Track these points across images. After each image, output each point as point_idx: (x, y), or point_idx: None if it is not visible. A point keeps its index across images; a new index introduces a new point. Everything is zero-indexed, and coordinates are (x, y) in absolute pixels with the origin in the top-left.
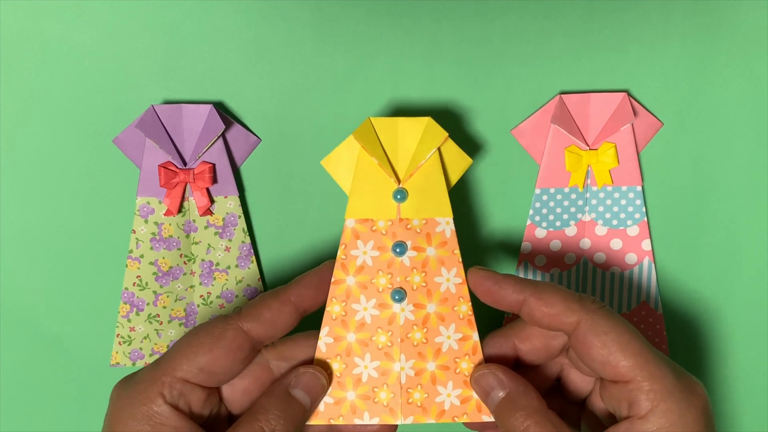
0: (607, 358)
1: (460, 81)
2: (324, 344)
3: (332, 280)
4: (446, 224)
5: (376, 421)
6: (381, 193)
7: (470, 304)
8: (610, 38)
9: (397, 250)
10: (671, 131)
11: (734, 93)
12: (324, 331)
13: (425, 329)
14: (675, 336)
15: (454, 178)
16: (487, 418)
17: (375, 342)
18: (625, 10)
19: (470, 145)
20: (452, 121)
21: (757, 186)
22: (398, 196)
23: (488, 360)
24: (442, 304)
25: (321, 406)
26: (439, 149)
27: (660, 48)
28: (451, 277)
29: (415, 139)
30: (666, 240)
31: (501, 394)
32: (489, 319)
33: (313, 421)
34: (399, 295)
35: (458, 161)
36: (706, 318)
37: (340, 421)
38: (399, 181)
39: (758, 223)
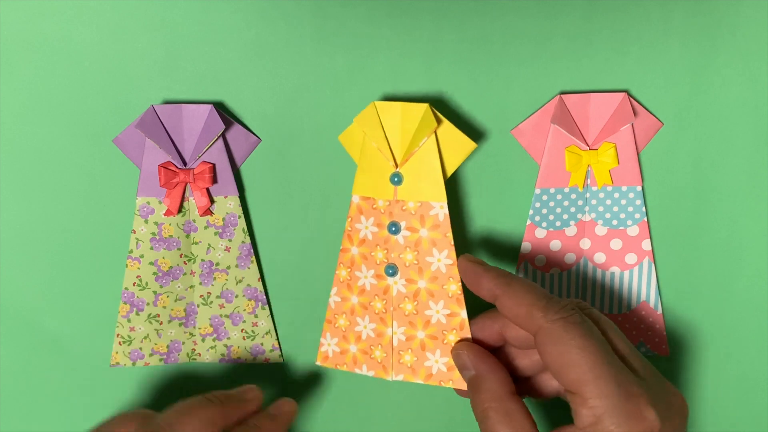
0: (557, 369)
1: (460, 81)
2: (333, 302)
3: (341, 248)
4: (440, 208)
5: (371, 374)
6: (380, 174)
7: (460, 284)
8: (610, 38)
9: (392, 228)
10: (671, 131)
11: (734, 93)
12: (333, 290)
13: (416, 302)
14: (675, 336)
15: (456, 163)
16: None
17: (373, 307)
18: (625, 10)
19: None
20: (452, 121)
21: (757, 186)
22: (395, 179)
23: (475, 339)
24: (432, 281)
25: (329, 353)
26: (436, 135)
27: (660, 48)
28: (443, 258)
29: (414, 125)
30: (666, 240)
31: (470, 373)
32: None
33: (322, 362)
34: (392, 269)
35: (460, 146)
36: (706, 318)
37: (344, 368)
38: (396, 164)
39: (758, 223)
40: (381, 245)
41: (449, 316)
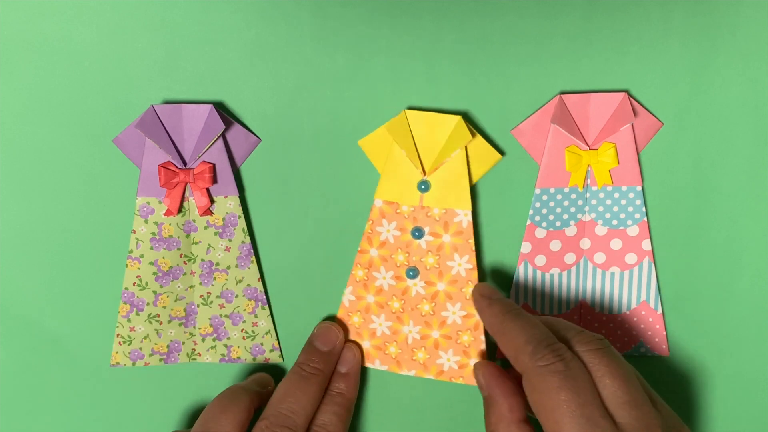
0: (536, 413)
1: (460, 81)
2: (347, 300)
3: (359, 249)
4: (464, 216)
5: (385, 368)
6: (407, 181)
7: None
8: (610, 38)
9: (416, 233)
10: (671, 131)
11: (734, 93)
12: (348, 289)
13: (433, 303)
14: (675, 336)
15: (481, 172)
16: None
17: (390, 306)
18: (625, 10)
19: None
20: None
21: (758, 186)
22: (422, 187)
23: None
24: (452, 284)
25: None
26: (466, 146)
27: (660, 48)
28: (463, 263)
29: (445, 135)
30: (666, 240)
31: (485, 393)
32: None
33: None
34: (413, 272)
35: (486, 156)
36: (706, 318)
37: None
38: (425, 172)
39: (758, 223)
40: (402, 249)
41: (465, 318)
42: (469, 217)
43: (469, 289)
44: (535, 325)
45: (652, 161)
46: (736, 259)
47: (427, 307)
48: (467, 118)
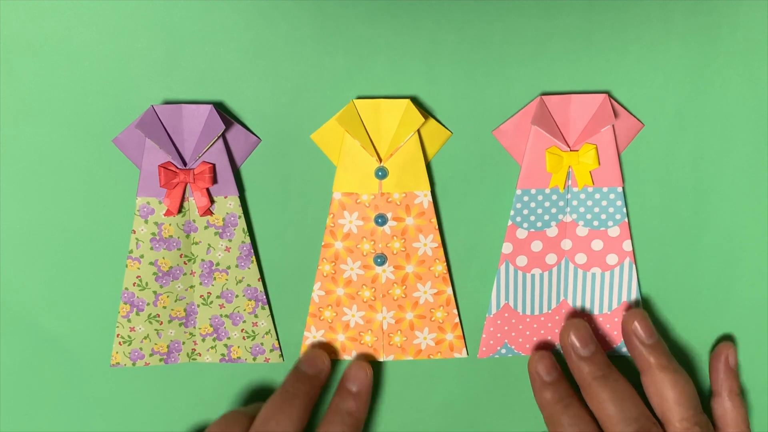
0: None
1: (460, 81)
2: (317, 296)
3: (323, 243)
4: (424, 196)
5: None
6: (364, 170)
7: (445, 264)
8: (610, 38)
9: (379, 220)
10: (671, 131)
11: (734, 93)
12: (317, 285)
13: (404, 286)
14: (671, 336)
15: (434, 151)
16: (458, 355)
17: (360, 296)
18: (625, 10)
19: (469, 144)
20: (451, 121)
21: (756, 187)
22: (380, 174)
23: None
24: (420, 265)
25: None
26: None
27: (660, 48)
28: (428, 243)
29: (396, 121)
30: (662, 241)
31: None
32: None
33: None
34: (381, 259)
35: (437, 135)
36: (702, 317)
37: (332, 356)
38: (380, 159)
39: (759, 223)
40: (367, 237)
41: (436, 295)
42: (429, 198)
43: (437, 267)
44: (581, 421)
45: (651, 161)
46: (730, 260)
47: (398, 291)
48: (465, 111)
